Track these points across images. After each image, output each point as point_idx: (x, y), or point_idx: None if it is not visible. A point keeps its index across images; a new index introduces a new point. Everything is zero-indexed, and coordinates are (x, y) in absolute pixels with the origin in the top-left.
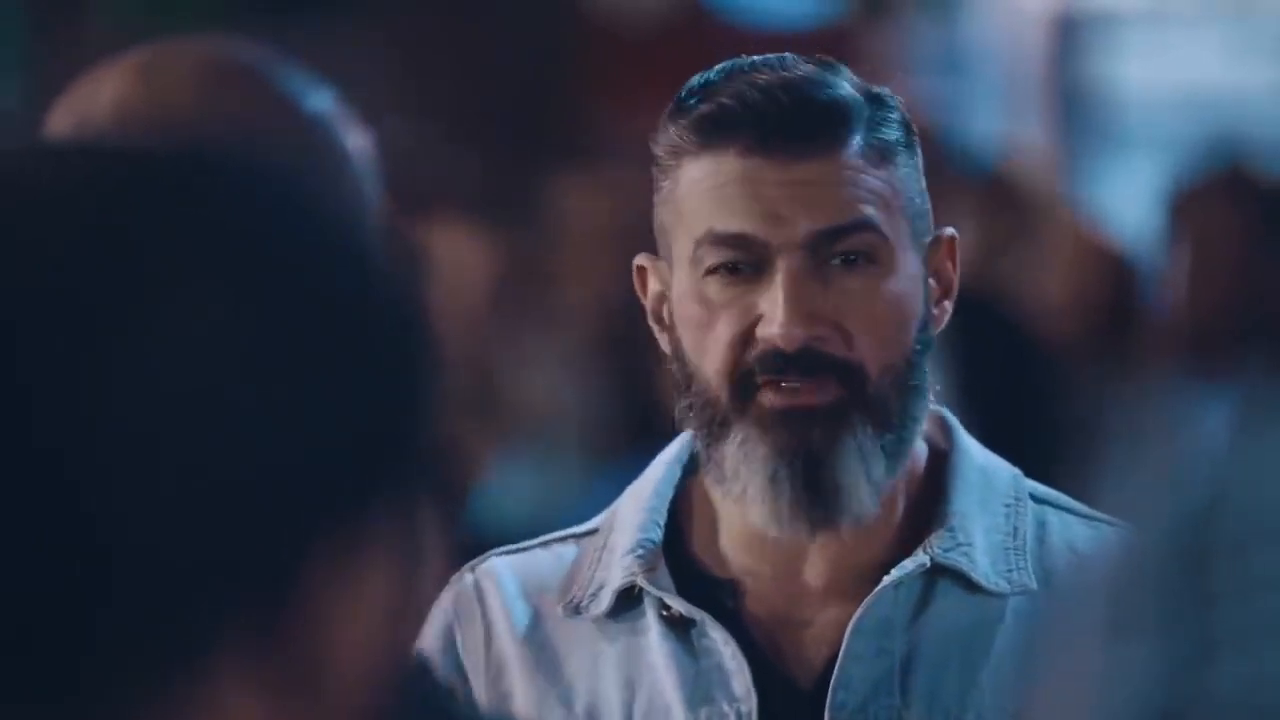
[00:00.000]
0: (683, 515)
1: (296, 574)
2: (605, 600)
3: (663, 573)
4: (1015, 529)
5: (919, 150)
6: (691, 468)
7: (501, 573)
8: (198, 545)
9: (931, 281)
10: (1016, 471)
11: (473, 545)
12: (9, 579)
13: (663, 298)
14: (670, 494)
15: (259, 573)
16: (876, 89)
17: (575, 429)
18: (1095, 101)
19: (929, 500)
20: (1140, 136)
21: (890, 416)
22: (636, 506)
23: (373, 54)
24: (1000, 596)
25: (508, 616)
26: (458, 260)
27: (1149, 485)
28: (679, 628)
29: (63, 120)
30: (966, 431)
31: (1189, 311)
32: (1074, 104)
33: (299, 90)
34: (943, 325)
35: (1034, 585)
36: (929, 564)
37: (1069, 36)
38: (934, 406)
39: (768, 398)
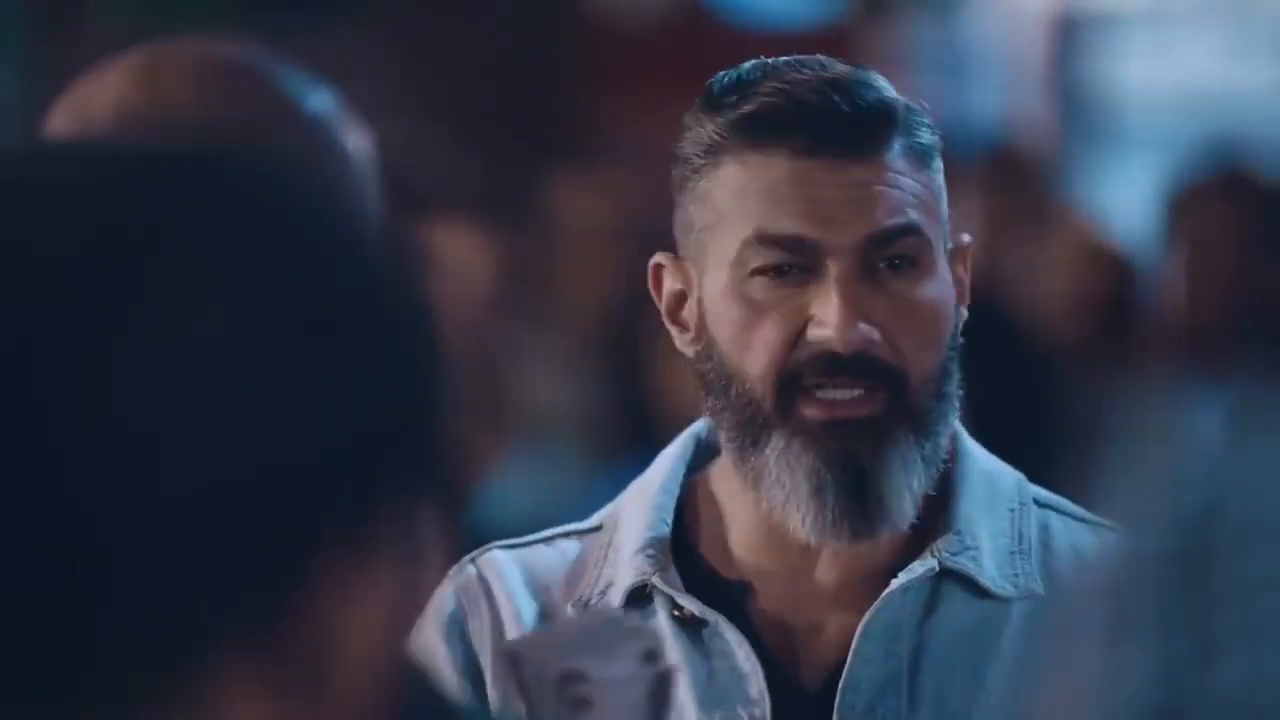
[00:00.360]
0: (688, 515)
1: (300, 575)
2: (615, 599)
3: (673, 573)
4: (1020, 533)
5: (941, 148)
6: (695, 465)
7: (504, 565)
8: (201, 546)
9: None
10: (1020, 475)
11: (472, 545)
12: (10, 579)
13: (683, 297)
14: (676, 492)
15: (262, 574)
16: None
17: (574, 428)
18: (1095, 101)
19: (935, 503)
20: (1140, 136)
21: (928, 425)
22: (642, 504)
23: (373, 54)
24: (1007, 601)
25: (514, 609)
26: (458, 260)
27: (1148, 485)
28: (690, 628)
29: (63, 120)
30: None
31: (1188, 311)
32: (1074, 104)
33: (299, 90)
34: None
35: (1041, 590)
36: (938, 568)
37: (1069, 36)
38: None
39: (810, 409)
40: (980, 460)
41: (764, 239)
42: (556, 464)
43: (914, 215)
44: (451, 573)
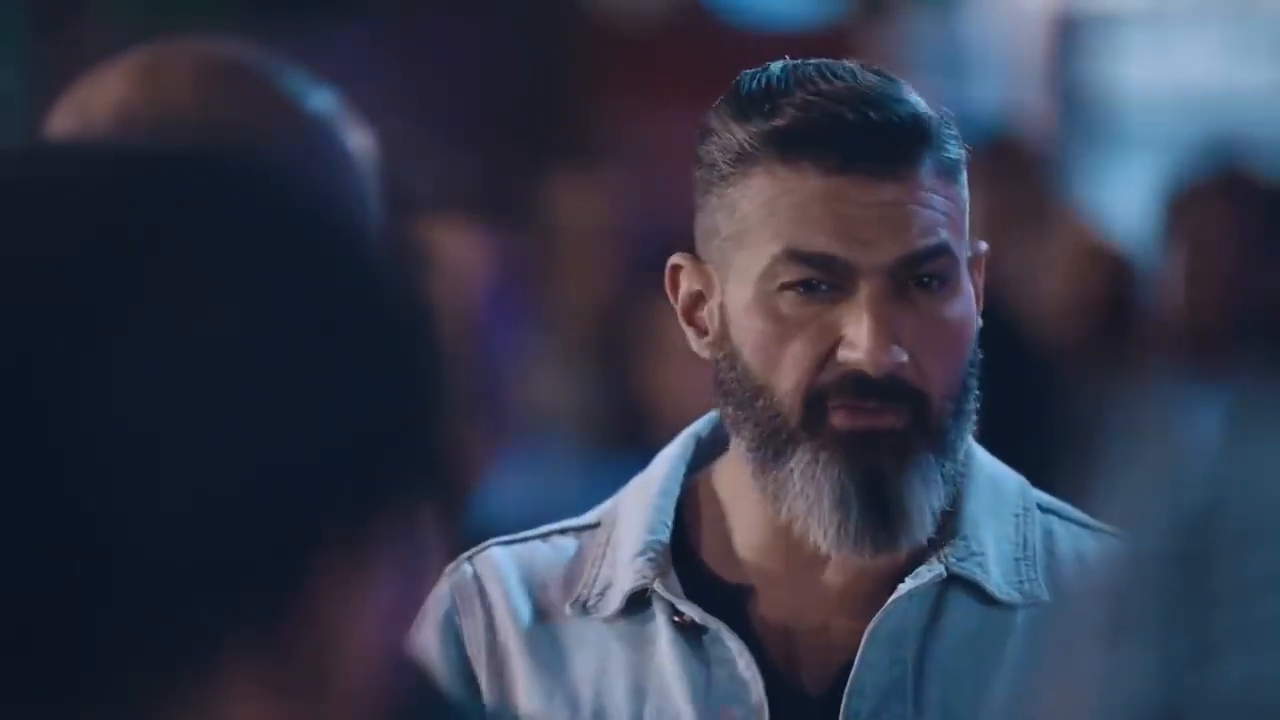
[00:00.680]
0: (688, 516)
1: (300, 575)
2: (614, 601)
3: (673, 578)
4: (1025, 539)
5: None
6: (695, 465)
7: (501, 562)
8: (201, 546)
9: None
10: (1022, 480)
11: (470, 544)
12: (10, 579)
13: (700, 298)
14: (677, 492)
15: (262, 574)
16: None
17: (573, 427)
18: (1095, 101)
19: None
20: (1139, 136)
21: (949, 444)
22: (642, 504)
23: (373, 54)
24: (1012, 608)
25: (509, 608)
26: (457, 259)
27: (1148, 485)
28: (690, 633)
29: (64, 120)
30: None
31: (1187, 311)
32: (1073, 103)
33: (300, 90)
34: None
35: (1045, 596)
36: (945, 574)
37: (1069, 36)
38: None
39: (839, 418)
40: (985, 465)
41: (795, 256)
42: (554, 463)
43: (944, 234)
44: (448, 570)
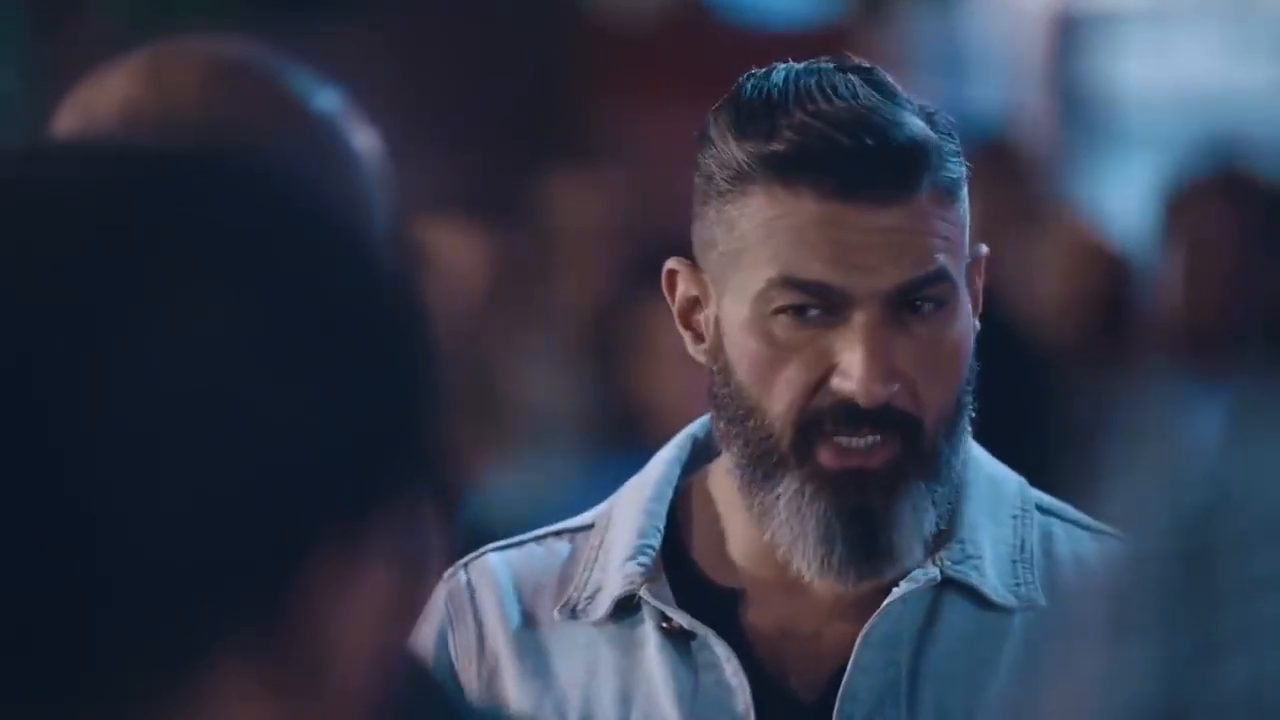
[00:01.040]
0: (682, 517)
1: (298, 574)
2: (603, 606)
3: (663, 583)
4: (1022, 541)
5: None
6: (691, 466)
7: (497, 569)
8: (199, 546)
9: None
10: (1021, 480)
11: (467, 543)
12: (9, 579)
13: (696, 303)
14: (670, 495)
15: (260, 573)
16: (924, 104)
17: (569, 426)
18: (1094, 100)
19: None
20: (1139, 135)
21: (941, 469)
22: (635, 507)
23: (373, 54)
24: (1008, 611)
25: (502, 615)
26: (455, 259)
27: (1148, 485)
28: (678, 639)
29: (69, 120)
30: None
31: (1186, 311)
32: (1073, 102)
33: (306, 89)
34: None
35: (1042, 600)
36: (939, 577)
37: (1068, 35)
38: None
39: (825, 456)
40: (984, 465)
41: (790, 282)
42: (551, 462)
43: (942, 259)
44: (445, 577)
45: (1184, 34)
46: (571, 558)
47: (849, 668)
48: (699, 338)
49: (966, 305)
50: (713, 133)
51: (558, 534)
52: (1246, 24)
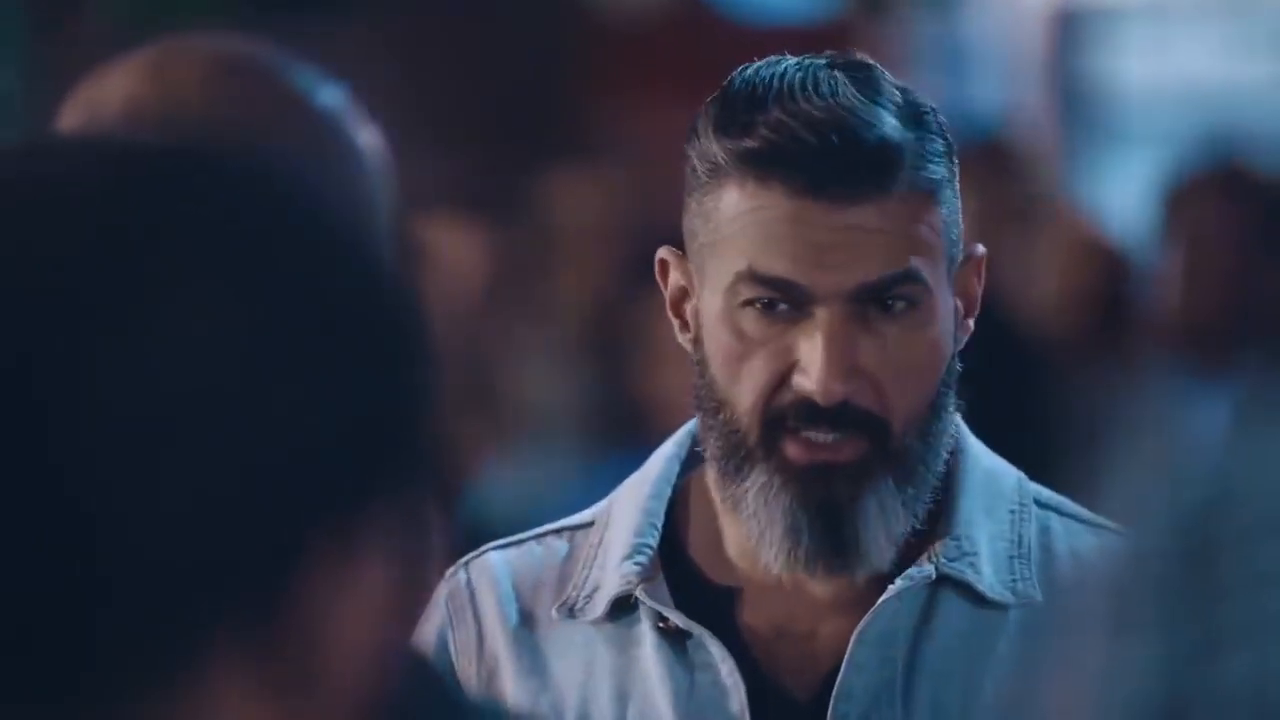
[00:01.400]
0: (681, 515)
1: (296, 573)
2: (600, 605)
3: (660, 583)
4: (1020, 536)
5: (957, 169)
6: (691, 464)
7: (497, 567)
8: (198, 544)
9: (958, 302)
10: (1020, 474)
11: (465, 542)
12: (9, 579)
13: (684, 293)
14: (668, 493)
15: (259, 572)
16: (918, 103)
17: (568, 424)
18: (1094, 96)
19: (935, 504)
20: (1139, 132)
21: (912, 470)
22: (634, 505)
23: (373, 54)
24: (1004, 608)
25: (501, 615)
26: (454, 256)
27: (1150, 481)
28: (675, 638)
29: (73, 117)
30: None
31: (1185, 307)
32: (1073, 99)
33: (309, 87)
34: (962, 344)
35: (1039, 597)
36: (935, 574)
37: (1068, 31)
38: None
39: (792, 449)
40: (982, 459)
41: (755, 277)
42: (551, 459)
43: (913, 261)
44: (446, 576)
45: (1184, 30)
46: (570, 556)
47: (844, 666)
48: (686, 326)
49: (945, 306)
50: (699, 125)
51: (558, 532)
52: (1246, 20)
